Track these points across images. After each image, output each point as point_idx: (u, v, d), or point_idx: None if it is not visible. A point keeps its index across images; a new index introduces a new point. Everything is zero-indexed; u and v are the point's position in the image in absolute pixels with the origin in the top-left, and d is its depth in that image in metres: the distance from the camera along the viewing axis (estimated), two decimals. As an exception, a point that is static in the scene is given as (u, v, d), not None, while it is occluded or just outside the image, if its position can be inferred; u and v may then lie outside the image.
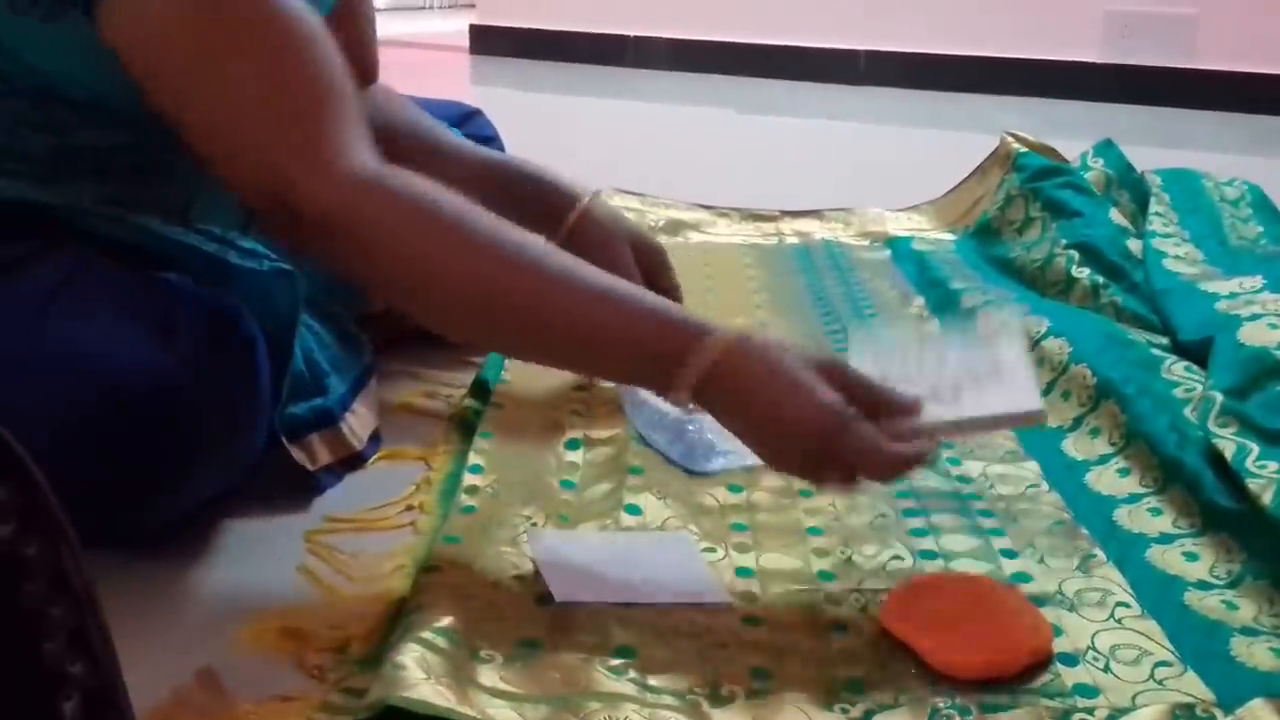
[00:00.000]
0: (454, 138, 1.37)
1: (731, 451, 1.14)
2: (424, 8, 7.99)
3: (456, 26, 5.66)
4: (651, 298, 0.96)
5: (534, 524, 1.01)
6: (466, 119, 1.53)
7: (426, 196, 0.95)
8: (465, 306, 0.95)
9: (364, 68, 1.36)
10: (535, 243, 0.97)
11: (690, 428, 1.14)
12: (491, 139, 1.56)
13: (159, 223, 1.06)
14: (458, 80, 4.53)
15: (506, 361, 1.36)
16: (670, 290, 1.30)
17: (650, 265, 1.31)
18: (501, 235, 0.95)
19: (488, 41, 5.09)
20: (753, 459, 1.03)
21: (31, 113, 1.02)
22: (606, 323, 0.94)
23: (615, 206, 1.31)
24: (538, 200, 1.31)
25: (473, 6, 5.32)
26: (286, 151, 0.94)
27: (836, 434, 0.88)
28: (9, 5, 0.96)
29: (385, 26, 5.69)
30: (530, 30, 4.95)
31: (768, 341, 0.92)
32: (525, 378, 1.33)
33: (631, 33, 4.71)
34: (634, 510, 1.06)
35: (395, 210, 0.94)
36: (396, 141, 1.33)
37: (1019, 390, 0.94)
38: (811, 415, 0.89)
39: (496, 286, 0.94)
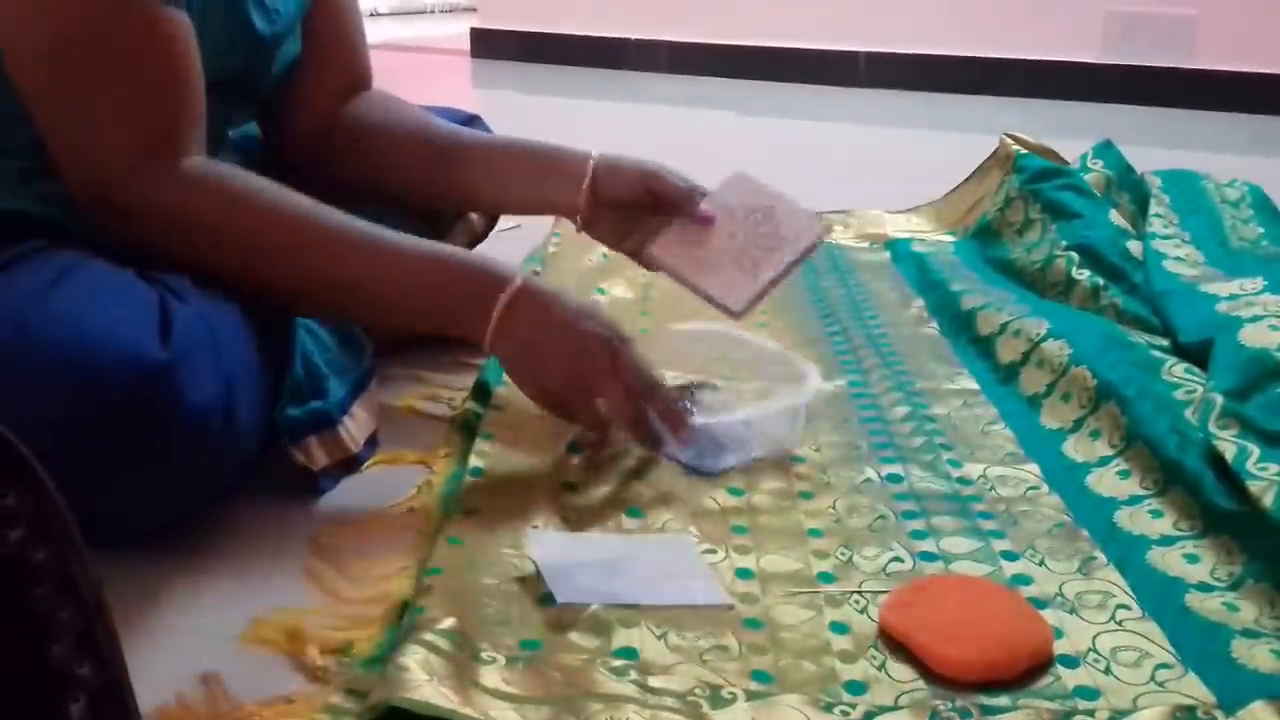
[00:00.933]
0: (466, 130, 1.40)
1: (740, 450, 1.15)
2: (425, 12, 7.99)
3: (458, 30, 5.66)
4: (447, 250, 1.11)
5: (535, 526, 1.01)
6: (465, 125, 1.53)
7: (246, 184, 1.06)
8: (272, 274, 1.07)
9: (354, 72, 1.37)
10: (338, 214, 1.08)
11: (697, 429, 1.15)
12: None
13: None
14: (459, 83, 4.53)
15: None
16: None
17: (677, 192, 1.33)
18: (304, 206, 1.07)
19: (489, 45, 5.10)
20: (760, 451, 1.15)
21: (11, 105, 1.02)
22: (409, 276, 1.08)
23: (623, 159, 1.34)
24: (555, 166, 1.35)
25: (474, 10, 5.32)
26: (120, 149, 1.01)
27: (615, 350, 1.09)
28: None
29: (386, 30, 5.73)
30: (531, 34, 4.96)
31: (544, 287, 1.11)
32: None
33: (632, 36, 4.71)
34: (635, 512, 1.06)
35: (219, 201, 1.05)
36: (404, 140, 1.34)
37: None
38: (595, 331, 1.10)
39: (305, 253, 1.06)
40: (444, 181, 1.36)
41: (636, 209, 1.33)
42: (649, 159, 1.34)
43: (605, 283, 1.70)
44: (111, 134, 1.01)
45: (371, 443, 1.20)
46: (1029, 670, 0.84)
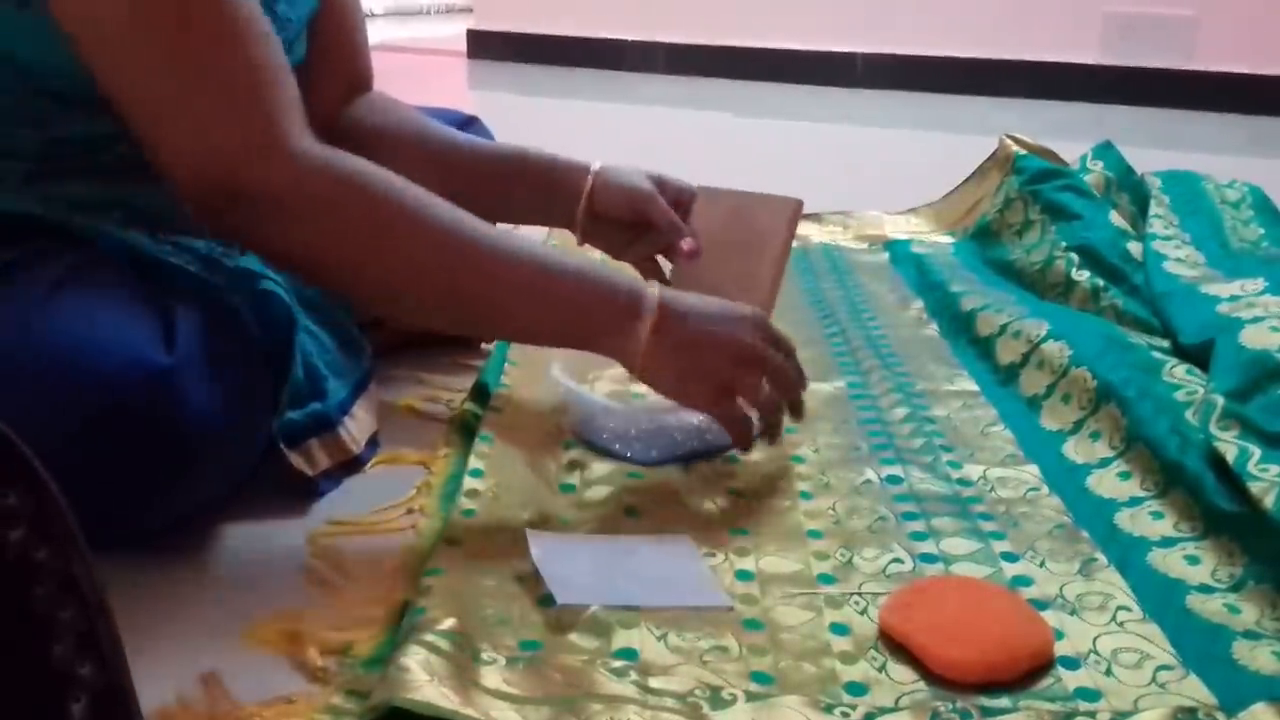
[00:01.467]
0: (464, 135, 1.39)
1: (695, 437, 1.18)
2: (421, 13, 7.99)
3: (454, 31, 5.67)
4: (589, 265, 1.07)
5: (535, 527, 1.01)
6: (464, 126, 1.53)
7: (373, 175, 1.00)
8: (412, 284, 1.02)
9: (356, 74, 1.37)
10: (480, 222, 1.03)
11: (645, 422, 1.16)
12: (489, 144, 1.56)
13: (149, 239, 1.06)
14: (455, 85, 4.54)
15: (506, 366, 1.36)
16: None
17: (680, 202, 1.34)
18: (449, 212, 1.02)
19: (485, 46, 5.10)
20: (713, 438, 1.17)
21: (16, 107, 1.02)
22: (552, 295, 1.04)
23: (624, 167, 1.34)
24: (553, 179, 1.34)
25: (470, 11, 5.32)
26: (236, 133, 0.95)
27: (762, 347, 1.08)
28: None
29: (383, 31, 5.74)
30: (528, 35, 4.96)
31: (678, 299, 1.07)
32: (525, 382, 1.33)
33: (629, 37, 4.72)
34: (633, 513, 1.06)
35: (346, 189, 0.98)
36: (404, 146, 1.34)
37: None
38: (744, 326, 1.08)
39: (445, 262, 1.01)
40: (440, 190, 1.35)
41: (632, 226, 1.34)
42: (647, 169, 1.34)
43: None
44: (222, 120, 0.95)
45: (373, 443, 1.20)
46: (1029, 672, 0.84)
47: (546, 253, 1.05)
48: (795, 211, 1.28)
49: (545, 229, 1.78)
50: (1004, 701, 0.80)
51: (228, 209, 0.96)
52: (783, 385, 1.11)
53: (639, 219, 1.32)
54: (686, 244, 1.29)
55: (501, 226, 1.07)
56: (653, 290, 1.06)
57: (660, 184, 1.34)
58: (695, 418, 1.16)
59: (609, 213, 1.33)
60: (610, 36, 4.76)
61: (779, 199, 1.30)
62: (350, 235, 0.99)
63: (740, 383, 1.08)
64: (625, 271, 1.10)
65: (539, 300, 1.04)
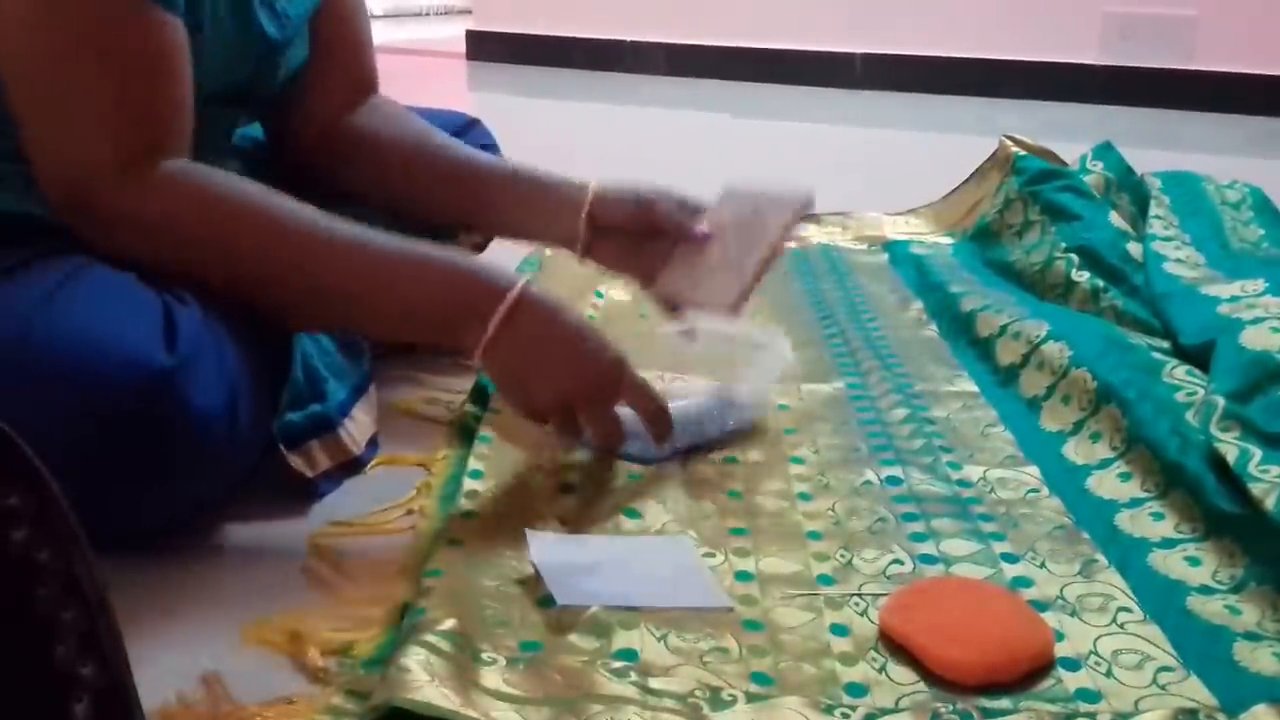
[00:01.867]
0: (465, 149, 1.37)
1: (691, 433, 1.19)
2: (421, 14, 8.00)
3: (453, 32, 5.67)
4: (441, 255, 1.06)
5: (534, 528, 1.01)
6: (466, 128, 1.53)
7: (228, 187, 1.04)
8: (258, 282, 1.04)
9: (359, 76, 1.36)
10: (324, 216, 1.05)
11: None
12: (490, 147, 1.56)
13: None
14: (455, 86, 4.54)
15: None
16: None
17: (681, 213, 1.31)
18: (290, 211, 1.04)
19: (484, 47, 5.10)
20: (717, 429, 1.20)
21: None
22: (399, 283, 1.04)
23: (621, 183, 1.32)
24: (552, 195, 1.32)
25: (469, 13, 5.33)
26: (83, 154, 1.00)
27: (619, 372, 1.07)
28: None
29: (382, 33, 5.74)
30: (526, 36, 4.96)
31: (547, 296, 1.07)
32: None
33: (628, 38, 4.72)
34: (633, 514, 1.06)
35: (197, 205, 1.02)
36: (407, 157, 1.34)
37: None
38: (602, 350, 1.07)
39: (287, 259, 1.03)
40: (439, 201, 1.34)
41: (635, 236, 1.30)
42: (646, 182, 1.32)
43: (603, 285, 1.70)
44: (91, 139, 0.99)
45: (373, 445, 1.20)
46: (1030, 673, 0.84)
47: (393, 241, 1.06)
48: (800, 204, 1.26)
49: (544, 247, 1.78)
50: (1004, 703, 0.80)
51: (84, 224, 1.02)
52: (643, 399, 1.10)
53: (642, 224, 1.29)
54: (701, 227, 1.26)
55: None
56: (522, 280, 1.05)
57: (662, 194, 1.32)
58: (691, 408, 1.17)
59: (611, 221, 1.29)
60: (609, 37, 4.76)
61: (789, 193, 1.29)
62: (204, 256, 1.03)
63: (589, 399, 1.07)
64: (502, 267, 1.09)
65: (383, 286, 1.04)
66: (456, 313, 1.04)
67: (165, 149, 1.02)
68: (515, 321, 1.04)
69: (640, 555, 0.99)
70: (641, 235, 1.29)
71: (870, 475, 1.14)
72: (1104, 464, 1.17)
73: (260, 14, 1.14)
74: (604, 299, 1.67)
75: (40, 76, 0.98)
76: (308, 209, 1.05)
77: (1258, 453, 1.03)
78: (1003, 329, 1.45)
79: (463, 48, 5.20)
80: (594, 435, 1.09)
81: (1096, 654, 0.86)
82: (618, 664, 0.83)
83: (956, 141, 3.14)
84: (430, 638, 0.81)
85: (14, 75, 0.99)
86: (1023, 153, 2.05)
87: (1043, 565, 0.98)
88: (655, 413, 1.10)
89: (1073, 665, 0.85)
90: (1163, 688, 0.82)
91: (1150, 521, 1.06)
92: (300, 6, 1.21)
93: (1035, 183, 1.92)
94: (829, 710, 0.79)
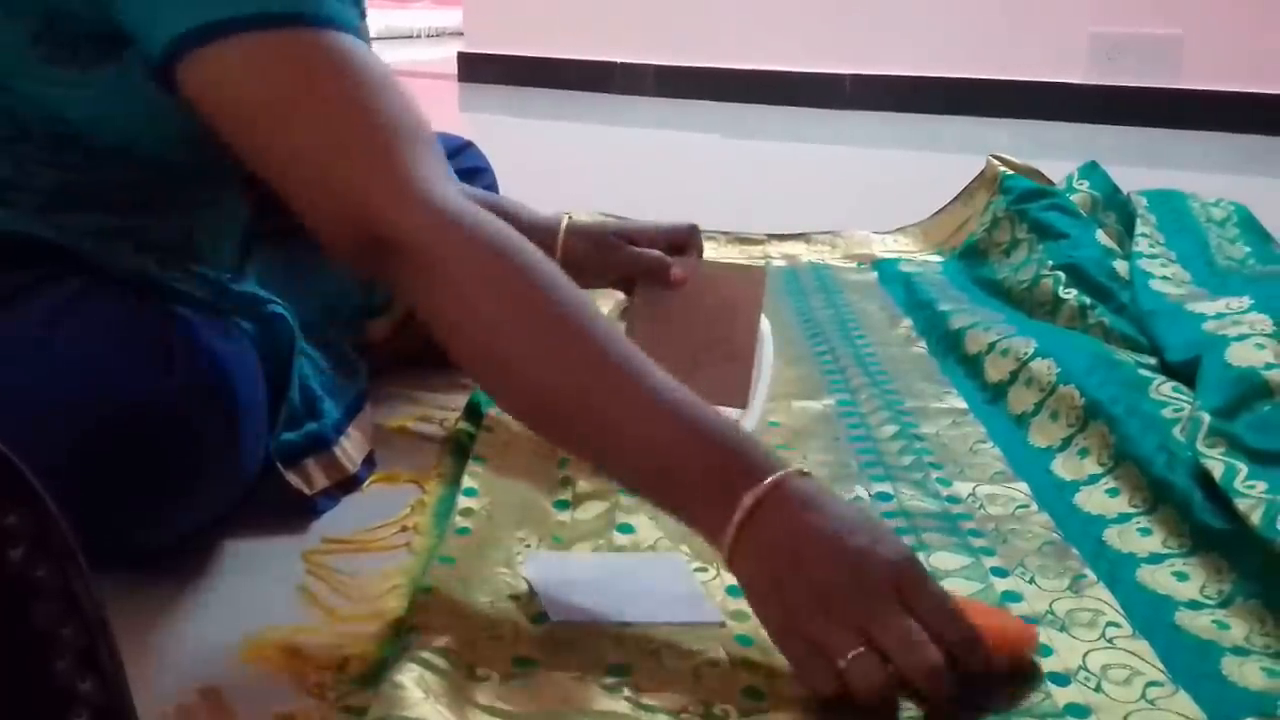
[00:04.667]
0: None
1: None
2: (413, 37, 8.02)
3: (445, 54, 5.68)
4: (714, 422, 0.88)
5: (528, 545, 1.02)
6: (458, 152, 1.53)
7: (511, 242, 0.92)
8: (527, 373, 0.90)
9: None
10: (610, 329, 0.92)
11: None
12: (483, 170, 1.56)
13: (155, 265, 1.06)
14: (447, 107, 4.55)
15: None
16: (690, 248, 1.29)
17: (655, 244, 1.28)
18: (583, 312, 0.91)
19: (476, 69, 5.12)
20: None
21: (36, 152, 1.02)
22: (670, 447, 0.86)
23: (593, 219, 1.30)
24: (528, 230, 1.30)
25: (461, 35, 5.34)
26: (370, 179, 0.91)
27: (912, 576, 0.81)
28: (46, 59, 0.97)
29: (374, 53, 5.70)
30: (518, 57, 4.98)
31: (810, 486, 0.85)
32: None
33: (618, 59, 4.73)
34: (626, 529, 1.06)
35: (478, 247, 0.91)
36: None
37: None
38: (887, 547, 0.82)
39: (568, 368, 0.89)
40: None
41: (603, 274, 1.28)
42: (613, 218, 1.29)
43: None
44: (356, 170, 0.92)
45: (369, 462, 1.21)
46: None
47: (686, 396, 0.88)
48: (764, 279, 1.27)
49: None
50: (993, 719, 0.81)
51: (376, 264, 0.93)
52: (939, 618, 0.80)
53: (609, 267, 1.27)
54: (676, 272, 1.23)
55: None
56: (782, 465, 0.85)
57: (631, 233, 1.29)
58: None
59: (582, 262, 1.24)
60: (600, 59, 4.78)
61: (746, 268, 1.29)
62: (489, 293, 0.90)
63: (876, 619, 0.79)
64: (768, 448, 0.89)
65: (653, 440, 0.87)
66: (700, 494, 0.86)
67: (431, 169, 0.94)
68: (765, 514, 0.82)
69: (633, 571, 1.00)
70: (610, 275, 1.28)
71: (861, 491, 1.15)
72: (1092, 479, 1.17)
73: None
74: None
75: (287, 140, 0.93)
76: (599, 316, 0.93)
77: (1244, 468, 1.03)
78: (991, 346, 1.46)
79: (454, 69, 5.21)
80: (895, 657, 0.78)
81: (1086, 669, 0.86)
82: (610, 680, 0.83)
83: (944, 161, 3.16)
84: (425, 654, 0.81)
85: (257, 129, 0.94)
86: (1010, 172, 2.07)
87: (1032, 580, 0.99)
88: (960, 644, 0.80)
89: (1062, 680, 0.85)
90: (1152, 702, 0.82)
91: (1138, 537, 1.06)
92: None
93: (1022, 201, 1.93)
94: (820, 725, 0.80)
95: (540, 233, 1.22)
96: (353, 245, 0.93)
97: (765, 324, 1.29)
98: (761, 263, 1.21)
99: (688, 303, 1.19)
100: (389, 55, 5.91)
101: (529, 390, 0.91)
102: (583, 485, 1.15)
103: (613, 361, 0.89)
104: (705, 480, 0.85)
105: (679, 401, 0.87)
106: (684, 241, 1.29)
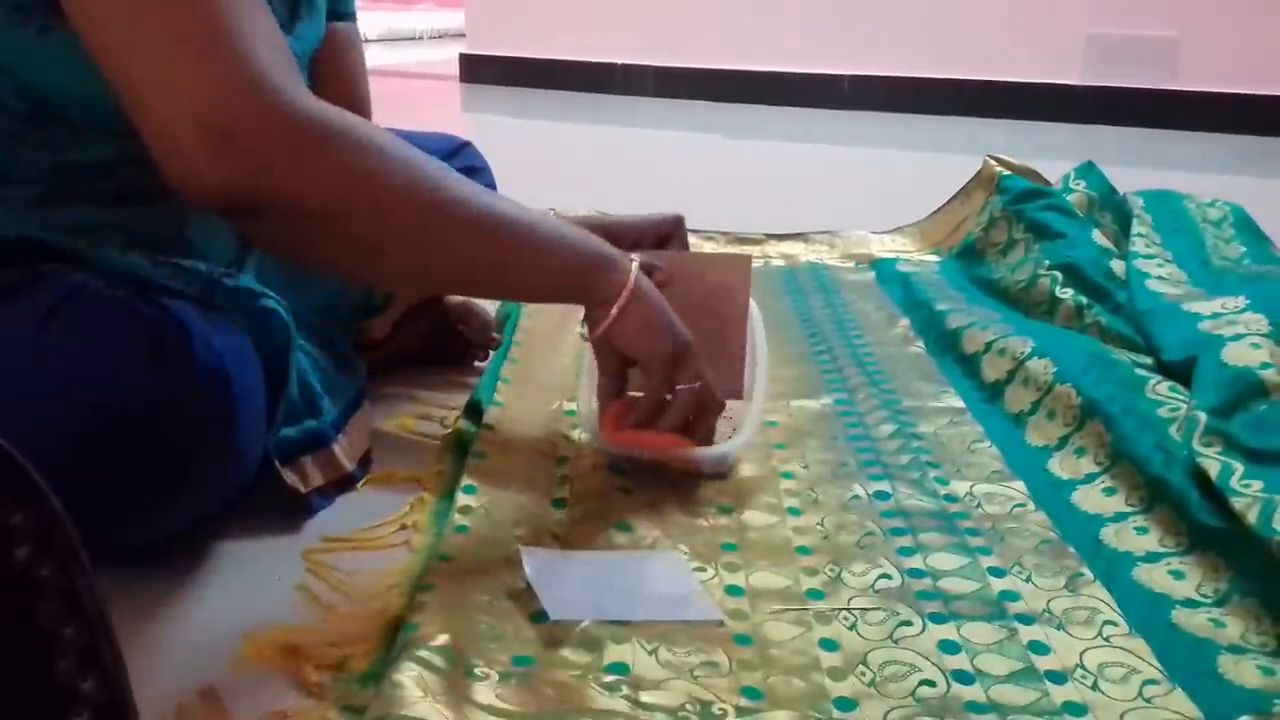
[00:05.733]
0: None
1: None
2: (416, 38, 8.03)
3: (447, 56, 5.69)
4: (572, 232, 1.10)
5: (527, 543, 1.02)
6: (456, 151, 1.54)
7: (366, 126, 0.96)
8: (403, 237, 0.99)
9: (355, 105, 1.37)
10: (466, 180, 1.03)
11: None
12: (481, 169, 1.57)
13: (149, 262, 1.06)
14: (449, 108, 4.56)
15: (499, 383, 1.37)
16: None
17: (643, 240, 1.33)
18: (441, 169, 1.01)
19: (478, 70, 5.12)
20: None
21: (27, 133, 1.03)
22: (539, 256, 1.06)
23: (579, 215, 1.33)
24: None
25: (463, 36, 5.35)
26: (223, 70, 0.89)
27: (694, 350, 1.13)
28: (6, 19, 0.97)
29: (378, 57, 5.76)
30: (519, 59, 4.98)
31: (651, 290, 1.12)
32: (518, 399, 1.34)
33: (619, 60, 4.73)
34: (625, 528, 1.07)
35: (340, 133, 0.93)
36: None
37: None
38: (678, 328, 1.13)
39: (438, 216, 1.00)
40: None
41: None
42: (597, 214, 1.33)
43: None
44: (208, 60, 0.88)
45: (366, 461, 1.21)
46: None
47: (541, 216, 1.08)
48: (749, 268, 1.28)
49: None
50: (990, 717, 0.81)
51: (222, 158, 0.89)
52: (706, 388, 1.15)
53: None
54: (660, 277, 1.21)
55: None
56: (632, 271, 1.11)
57: (617, 232, 1.30)
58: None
59: None
60: (600, 60, 4.78)
61: (730, 257, 1.30)
62: (342, 180, 0.93)
63: (684, 361, 1.13)
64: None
65: (537, 261, 1.06)
66: (586, 295, 1.10)
67: (286, 72, 0.92)
68: (628, 311, 1.10)
69: (631, 570, 1.00)
70: None
71: (859, 490, 1.15)
72: (1089, 479, 1.18)
73: None
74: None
75: (141, 36, 0.89)
76: (447, 170, 1.02)
77: (1240, 468, 1.04)
78: (988, 345, 1.46)
79: (456, 70, 5.21)
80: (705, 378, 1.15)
81: (1083, 667, 0.87)
82: (609, 678, 0.84)
83: (942, 161, 3.16)
84: (423, 653, 0.81)
85: (110, 52, 0.90)
86: (1006, 172, 2.07)
87: (1029, 579, 0.99)
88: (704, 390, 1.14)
89: (1059, 678, 0.85)
90: (1148, 701, 0.83)
91: (1135, 536, 1.07)
92: (306, 44, 1.22)
93: (1019, 202, 1.94)
94: (818, 723, 0.80)
95: None
96: (196, 138, 0.89)
97: (754, 309, 1.31)
98: (760, 263, 1.21)
99: (675, 297, 1.20)
100: (392, 57, 5.91)
101: (407, 251, 1.01)
102: (581, 484, 1.15)
103: (487, 203, 1.03)
104: (592, 285, 1.09)
105: (560, 233, 1.08)
106: (670, 233, 1.33)
